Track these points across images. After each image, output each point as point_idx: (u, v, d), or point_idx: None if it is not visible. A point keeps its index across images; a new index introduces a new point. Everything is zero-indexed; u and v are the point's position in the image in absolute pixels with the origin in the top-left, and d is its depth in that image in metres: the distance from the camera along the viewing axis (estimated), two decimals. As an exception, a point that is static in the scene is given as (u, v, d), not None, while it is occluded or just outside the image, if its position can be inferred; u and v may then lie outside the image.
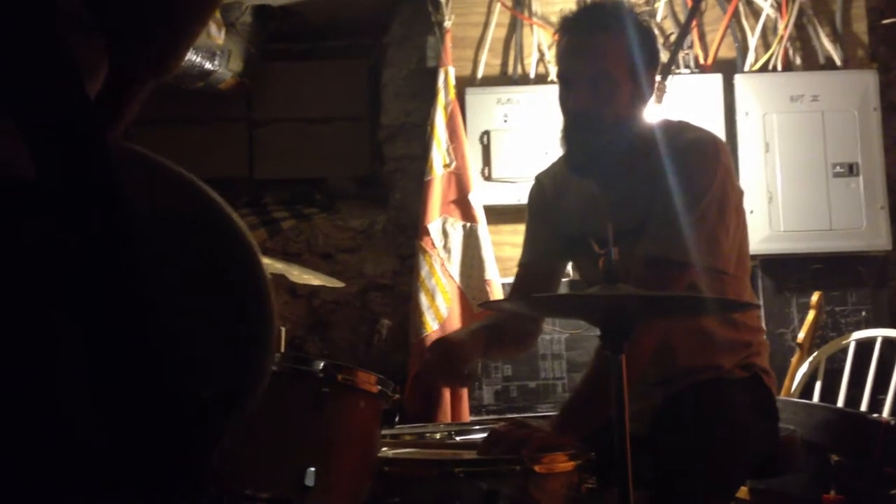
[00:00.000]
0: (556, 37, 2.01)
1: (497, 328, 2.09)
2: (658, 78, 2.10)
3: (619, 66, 1.91)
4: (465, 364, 1.98)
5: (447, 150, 3.35)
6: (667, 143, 1.94)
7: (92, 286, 0.61)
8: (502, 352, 2.27)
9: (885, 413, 2.98)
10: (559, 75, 2.00)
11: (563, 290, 3.11)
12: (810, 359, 3.15)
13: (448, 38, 3.44)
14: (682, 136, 1.96)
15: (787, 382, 3.09)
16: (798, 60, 3.51)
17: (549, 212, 2.16)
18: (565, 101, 1.97)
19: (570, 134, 1.97)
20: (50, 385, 0.64)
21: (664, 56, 3.15)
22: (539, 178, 2.22)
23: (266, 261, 2.25)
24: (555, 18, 3.47)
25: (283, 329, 1.98)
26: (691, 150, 1.92)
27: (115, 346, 0.61)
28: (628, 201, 1.95)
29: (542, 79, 3.51)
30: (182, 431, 0.63)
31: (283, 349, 1.91)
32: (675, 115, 2.15)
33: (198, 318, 0.74)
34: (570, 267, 2.32)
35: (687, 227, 1.85)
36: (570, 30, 1.96)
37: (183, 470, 0.63)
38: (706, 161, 1.90)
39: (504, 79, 3.53)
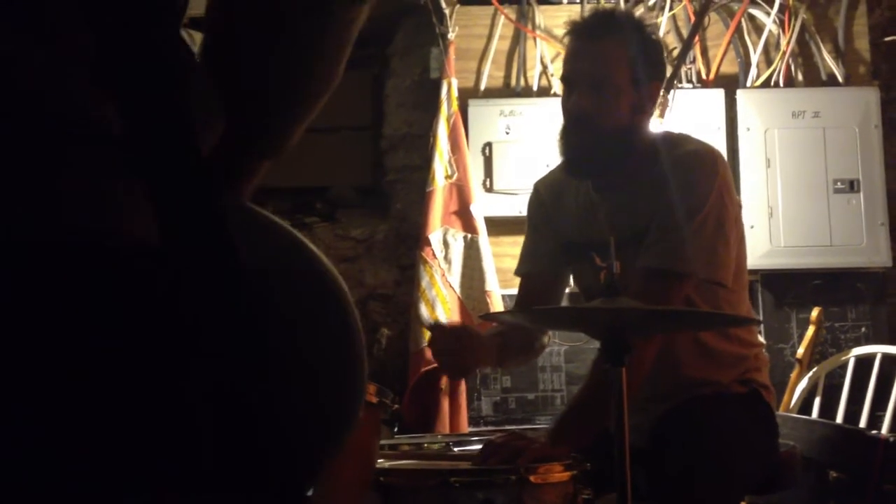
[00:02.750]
0: (565, 41, 2.02)
1: (507, 337, 2.10)
2: (661, 92, 2.11)
3: (622, 73, 1.92)
4: (477, 362, 1.98)
5: (449, 161, 3.35)
6: (666, 155, 1.94)
7: (216, 341, 0.64)
8: (513, 361, 2.27)
9: (885, 430, 2.97)
10: (563, 77, 2.00)
11: (563, 302, 3.12)
12: (809, 374, 3.15)
13: (451, 50, 3.45)
14: (681, 147, 1.96)
15: (786, 398, 3.09)
16: (800, 76, 3.52)
17: (547, 219, 2.16)
18: (566, 103, 1.97)
19: (569, 135, 1.98)
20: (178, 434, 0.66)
21: (667, 70, 3.17)
22: (537, 186, 2.22)
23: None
24: (558, 31, 3.51)
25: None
26: (690, 161, 1.92)
27: (238, 396, 0.64)
28: (628, 211, 1.96)
29: (544, 91, 3.52)
30: (286, 476, 0.66)
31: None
32: (677, 129, 2.16)
33: (304, 365, 0.78)
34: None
35: (685, 238, 1.86)
36: (578, 33, 1.97)
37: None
38: (704, 173, 1.90)
39: (507, 91, 3.54)
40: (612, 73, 1.92)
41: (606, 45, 1.93)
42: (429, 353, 3.10)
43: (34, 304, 0.62)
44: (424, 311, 3.24)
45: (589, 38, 1.95)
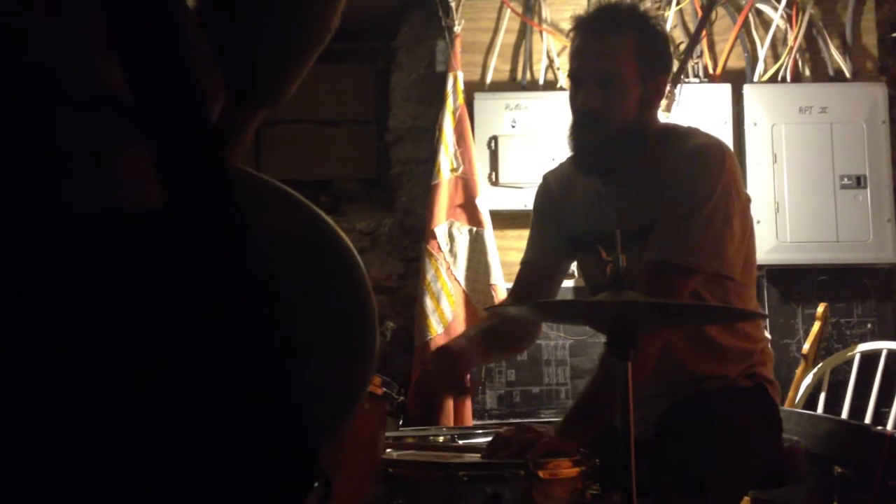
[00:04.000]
0: (571, 36, 2.02)
1: (497, 331, 2.10)
2: (668, 86, 2.10)
3: (629, 68, 1.91)
4: (466, 372, 1.99)
5: (454, 154, 3.35)
6: (673, 149, 1.94)
7: (220, 305, 0.63)
8: (502, 354, 2.28)
9: (889, 426, 2.97)
10: (570, 74, 2.00)
11: (569, 296, 3.12)
12: (815, 370, 3.15)
13: (457, 43, 3.45)
14: (689, 142, 1.96)
15: (791, 393, 3.09)
16: (807, 72, 3.51)
17: (555, 211, 2.16)
18: (574, 100, 1.97)
19: (578, 132, 1.97)
20: (175, 408, 0.65)
21: (674, 65, 3.16)
22: (546, 178, 2.22)
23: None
24: (565, 25, 3.49)
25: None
26: (697, 155, 1.92)
27: (244, 364, 0.62)
28: (635, 205, 1.95)
29: (550, 85, 3.51)
30: (302, 447, 0.64)
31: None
32: (685, 123, 2.15)
33: (314, 335, 0.76)
34: (574, 268, 2.32)
35: (692, 231, 1.85)
36: (584, 29, 1.97)
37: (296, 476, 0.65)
38: (711, 166, 1.90)
39: (513, 84, 3.54)
40: (618, 68, 1.91)
41: (612, 41, 1.92)
42: (434, 347, 3.11)
43: (28, 278, 0.60)
44: (429, 303, 3.24)
45: (595, 33, 1.95)
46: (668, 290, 1.81)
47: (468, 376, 2.04)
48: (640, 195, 1.95)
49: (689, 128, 2.05)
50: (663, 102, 2.14)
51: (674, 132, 2.01)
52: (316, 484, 0.65)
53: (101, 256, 0.63)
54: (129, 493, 0.63)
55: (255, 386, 0.62)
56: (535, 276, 2.18)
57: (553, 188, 2.18)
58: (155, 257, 0.64)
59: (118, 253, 0.63)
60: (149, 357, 0.64)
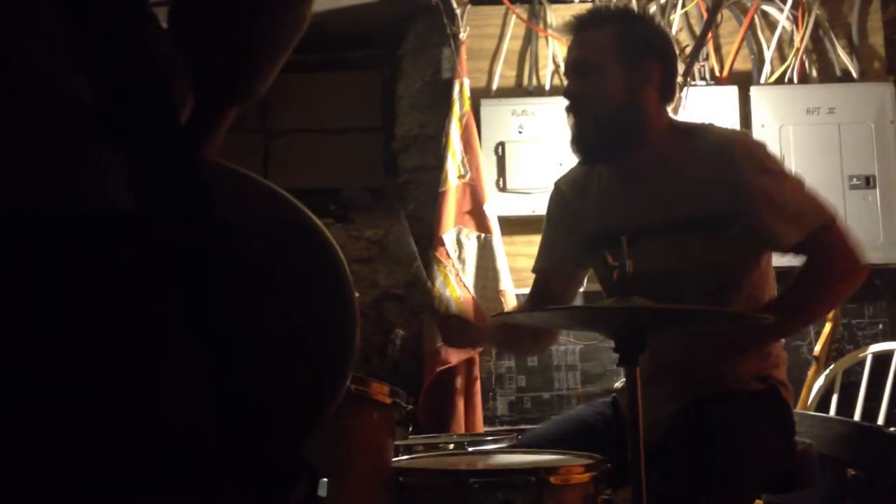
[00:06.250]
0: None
1: (512, 327, 2.13)
2: (673, 77, 2.11)
3: (607, 55, 1.97)
4: (476, 336, 2.03)
5: (462, 161, 3.35)
6: (700, 141, 1.97)
7: (197, 302, 0.63)
8: (516, 346, 2.31)
9: (902, 427, 2.95)
10: (564, 74, 2.07)
11: (579, 301, 3.12)
12: (827, 372, 3.13)
13: (463, 50, 3.45)
14: (715, 133, 2.01)
15: (803, 395, 3.07)
16: (814, 73, 3.50)
17: (569, 216, 2.16)
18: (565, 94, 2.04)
19: (571, 122, 2.03)
20: (160, 400, 0.65)
21: (679, 67, 3.15)
22: (558, 184, 2.23)
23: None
24: (570, 30, 3.51)
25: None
26: (732, 141, 1.97)
27: (224, 356, 0.62)
28: (659, 198, 1.96)
29: (557, 90, 3.50)
30: (281, 435, 0.64)
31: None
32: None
33: (295, 326, 0.77)
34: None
35: (795, 197, 1.91)
36: (567, 30, 2.06)
37: (275, 469, 0.64)
38: (750, 144, 1.98)
39: (519, 90, 3.54)
40: (595, 56, 1.97)
41: (589, 34, 2.00)
42: (443, 353, 3.12)
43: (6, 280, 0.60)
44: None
45: (574, 31, 2.03)
46: (831, 253, 1.88)
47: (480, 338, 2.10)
48: (664, 188, 1.96)
49: (704, 123, 2.10)
50: (670, 105, 2.14)
51: (694, 127, 2.06)
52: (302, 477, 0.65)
53: (74, 256, 0.63)
54: (112, 491, 0.63)
55: (234, 382, 0.62)
56: (549, 286, 2.20)
57: (565, 193, 2.19)
58: (128, 257, 0.64)
59: (92, 252, 0.63)
60: (125, 356, 0.64)
